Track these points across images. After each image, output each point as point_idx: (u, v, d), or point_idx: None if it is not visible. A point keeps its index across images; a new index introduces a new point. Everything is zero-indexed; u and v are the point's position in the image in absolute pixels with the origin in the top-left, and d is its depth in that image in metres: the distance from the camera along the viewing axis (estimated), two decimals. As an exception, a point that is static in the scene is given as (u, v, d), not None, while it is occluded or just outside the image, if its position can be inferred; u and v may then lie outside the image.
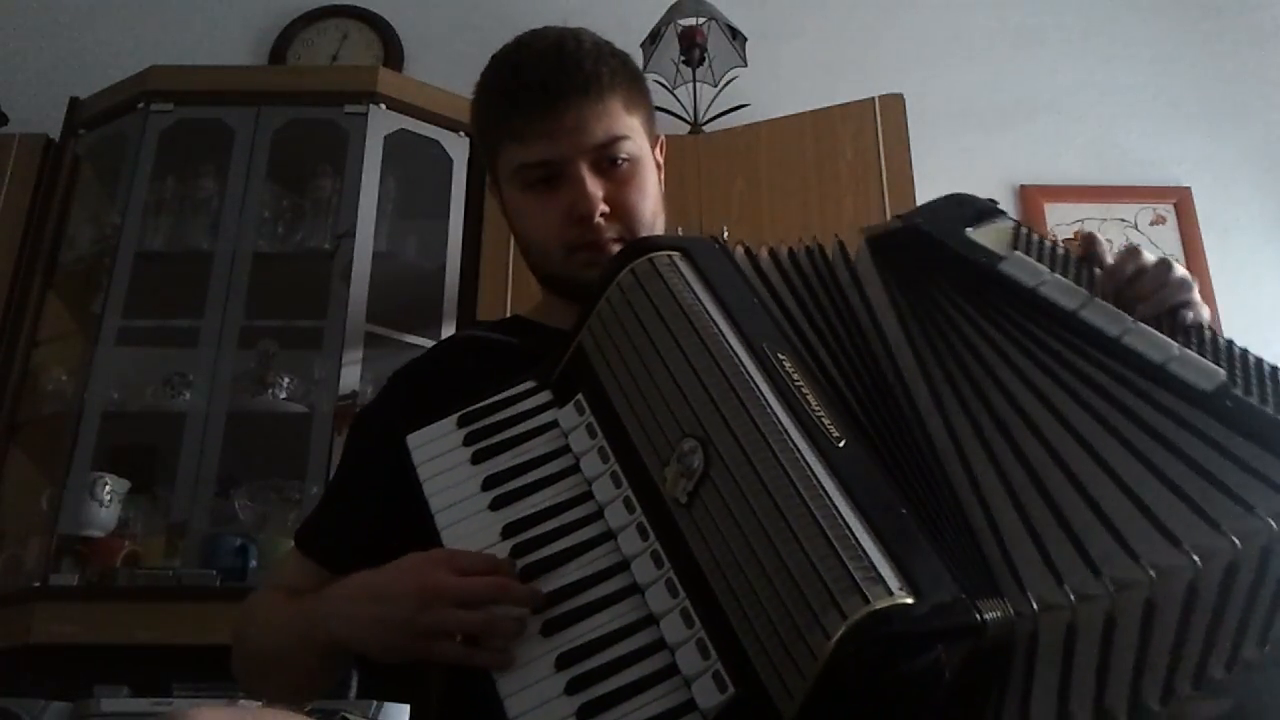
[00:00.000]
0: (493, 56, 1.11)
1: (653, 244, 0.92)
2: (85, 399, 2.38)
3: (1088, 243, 0.92)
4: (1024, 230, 0.93)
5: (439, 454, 0.92)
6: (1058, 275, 0.85)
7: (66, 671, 2.17)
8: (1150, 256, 0.88)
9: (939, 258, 0.91)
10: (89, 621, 2.15)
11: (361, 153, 2.56)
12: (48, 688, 2.07)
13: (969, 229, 0.93)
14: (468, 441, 0.91)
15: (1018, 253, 0.88)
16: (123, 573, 2.21)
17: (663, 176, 1.18)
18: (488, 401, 0.94)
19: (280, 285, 2.51)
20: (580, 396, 0.90)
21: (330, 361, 2.41)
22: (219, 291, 2.46)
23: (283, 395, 2.45)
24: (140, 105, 2.64)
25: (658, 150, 1.17)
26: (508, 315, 2.43)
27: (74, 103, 2.78)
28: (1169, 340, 0.78)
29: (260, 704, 1.67)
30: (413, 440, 0.94)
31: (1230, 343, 0.80)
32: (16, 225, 2.66)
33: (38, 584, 2.20)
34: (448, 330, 2.52)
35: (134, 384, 2.51)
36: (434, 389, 1.06)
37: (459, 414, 0.94)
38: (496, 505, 0.86)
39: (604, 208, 1.05)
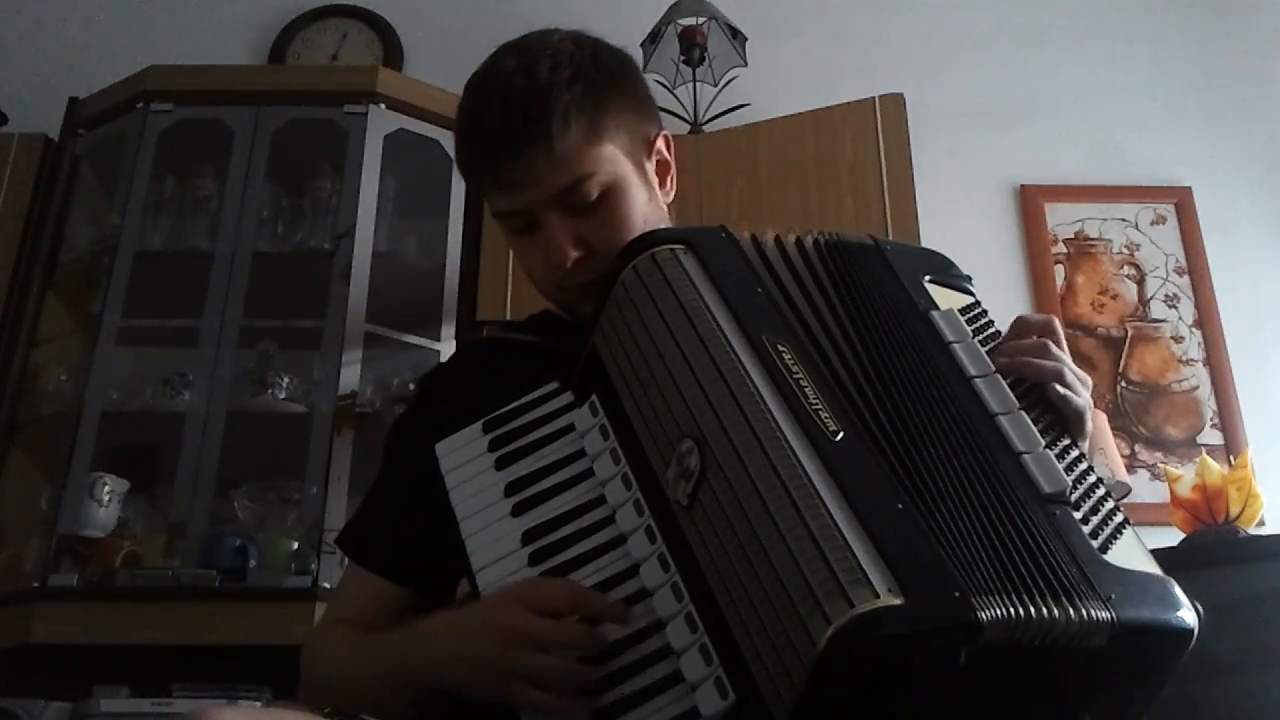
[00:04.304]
0: (466, 84, 1.06)
1: (656, 238, 0.92)
2: (85, 399, 2.37)
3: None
4: (979, 309, 0.95)
5: (465, 461, 0.93)
6: (976, 343, 0.88)
7: (66, 671, 2.17)
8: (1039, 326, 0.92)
9: (884, 281, 0.93)
10: (88, 621, 2.15)
11: (361, 153, 2.56)
12: (47, 688, 2.07)
13: (928, 279, 0.95)
14: (492, 447, 0.93)
15: (955, 311, 0.91)
16: (122, 573, 2.21)
17: (673, 174, 1.14)
18: (511, 406, 0.95)
19: (280, 285, 2.51)
20: (594, 397, 0.90)
21: (330, 361, 2.41)
22: (218, 291, 2.46)
23: (282, 395, 2.45)
24: (140, 105, 2.63)
25: (658, 152, 1.11)
26: (508, 314, 2.48)
27: (73, 103, 2.78)
28: (1038, 437, 0.81)
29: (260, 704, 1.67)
30: (441, 448, 0.95)
31: (1099, 479, 0.83)
32: (16, 225, 2.65)
33: (37, 584, 2.19)
34: (447, 330, 2.53)
35: (133, 384, 2.50)
36: (464, 393, 1.06)
37: (484, 420, 0.95)
38: (517, 511, 0.88)
39: (575, 252, 1.00)
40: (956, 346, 0.87)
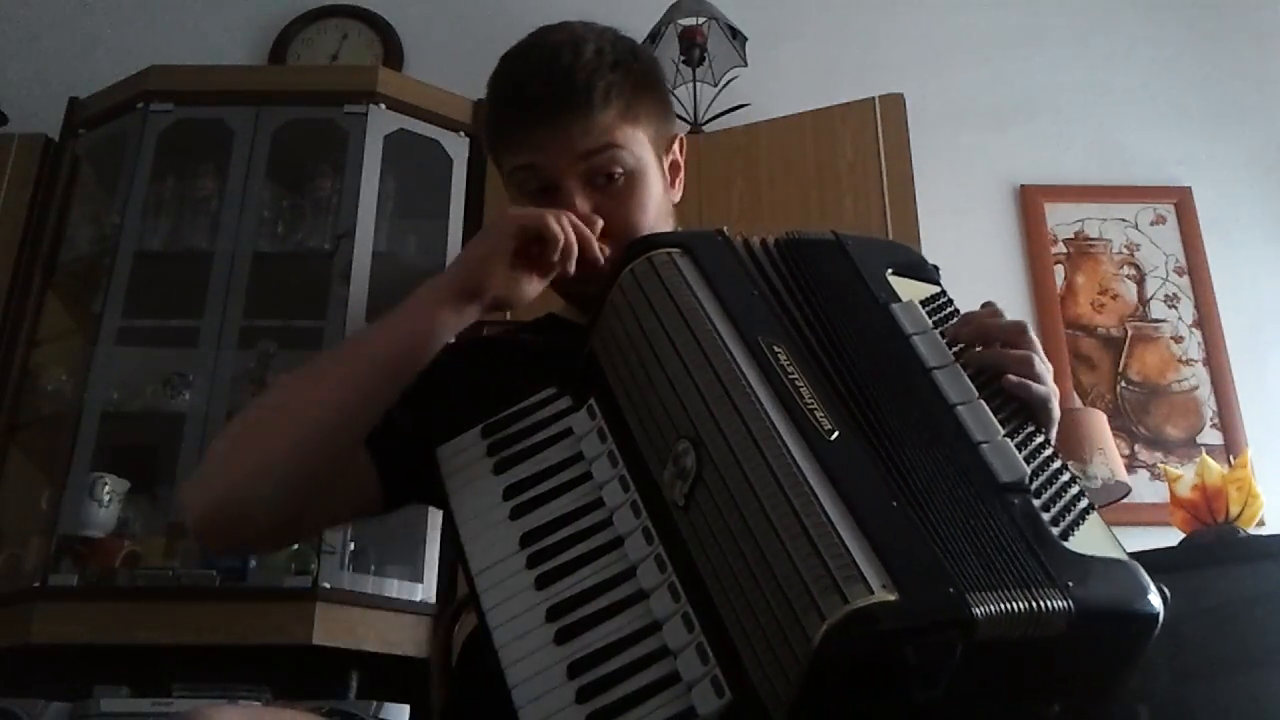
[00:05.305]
0: (502, 56, 1.10)
1: (653, 242, 0.92)
2: (85, 399, 2.38)
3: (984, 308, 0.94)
4: (944, 298, 0.95)
5: (465, 465, 0.94)
6: (936, 334, 0.88)
7: (66, 671, 2.17)
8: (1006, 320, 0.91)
9: (844, 276, 0.93)
10: (89, 621, 2.15)
11: (361, 153, 2.56)
12: (47, 688, 2.07)
13: (891, 271, 0.95)
14: (490, 452, 0.93)
15: (915, 303, 0.91)
16: (122, 573, 2.22)
17: (683, 176, 1.17)
18: (510, 411, 0.95)
19: (280, 285, 2.51)
20: (592, 401, 0.91)
21: (330, 361, 2.41)
22: (219, 291, 2.46)
23: (282, 395, 2.44)
24: (140, 105, 2.64)
25: (673, 153, 1.15)
26: (507, 314, 2.48)
27: (74, 103, 2.79)
28: (996, 426, 0.81)
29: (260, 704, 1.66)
30: (442, 452, 0.96)
31: (1064, 465, 0.82)
32: (16, 225, 2.66)
33: (38, 584, 2.20)
34: (448, 330, 2.52)
35: (134, 384, 2.51)
36: (470, 382, 1.08)
37: (483, 425, 0.95)
38: (516, 514, 0.88)
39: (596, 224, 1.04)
40: (916, 338, 0.87)
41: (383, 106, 2.62)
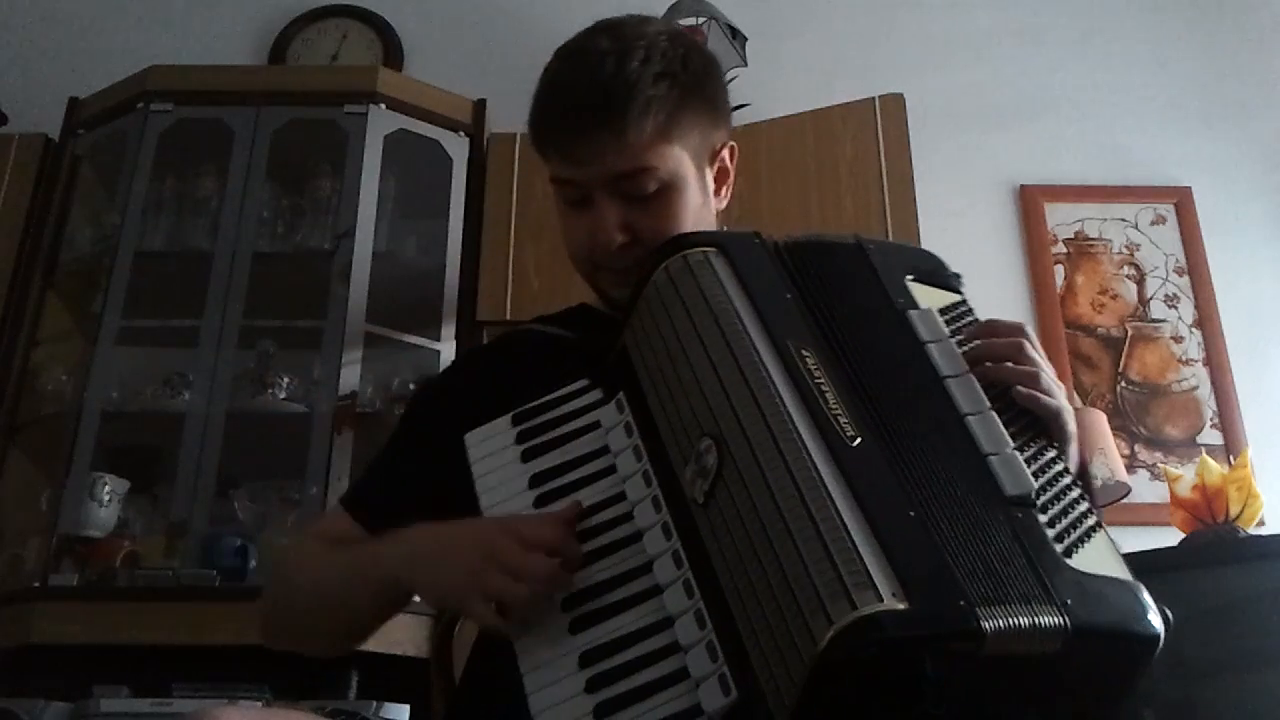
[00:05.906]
0: (555, 52, 1.09)
1: (689, 240, 0.93)
2: (85, 399, 2.37)
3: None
4: (964, 307, 0.95)
5: (492, 451, 0.95)
6: (952, 343, 0.88)
7: (66, 671, 2.17)
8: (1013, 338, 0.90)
9: (862, 281, 0.93)
10: (89, 621, 2.15)
11: (361, 153, 2.56)
12: (47, 688, 2.07)
13: (911, 278, 0.95)
14: (519, 440, 0.95)
15: (933, 311, 0.90)
16: (122, 573, 2.21)
17: (730, 182, 1.16)
18: (541, 401, 0.97)
19: (280, 285, 2.51)
20: (621, 395, 0.92)
21: (330, 361, 2.41)
22: (219, 291, 2.46)
23: (282, 395, 2.45)
24: (140, 105, 2.63)
25: (720, 160, 1.14)
26: (508, 314, 2.48)
27: (74, 103, 2.78)
28: (1006, 438, 0.80)
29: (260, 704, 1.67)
30: (470, 438, 0.97)
31: (1074, 481, 0.82)
32: (16, 225, 2.65)
33: (37, 584, 2.20)
34: (447, 330, 2.53)
35: (134, 384, 2.51)
36: (496, 377, 1.10)
37: (514, 413, 0.96)
38: (540, 503, 0.89)
39: (621, 238, 1.04)
40: (932, 346, 0.87)
41: (383, 106, 2.62)
